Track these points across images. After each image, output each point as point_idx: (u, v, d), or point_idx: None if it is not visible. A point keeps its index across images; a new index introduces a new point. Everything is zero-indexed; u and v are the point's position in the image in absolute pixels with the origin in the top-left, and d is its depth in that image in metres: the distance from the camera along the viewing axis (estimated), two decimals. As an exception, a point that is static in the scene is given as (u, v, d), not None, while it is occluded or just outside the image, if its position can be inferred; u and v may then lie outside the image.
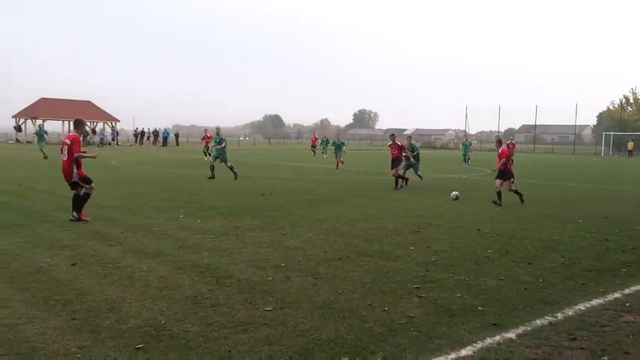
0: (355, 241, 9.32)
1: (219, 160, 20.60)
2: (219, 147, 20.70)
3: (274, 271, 7.16)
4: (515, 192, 14.71)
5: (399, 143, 18.85)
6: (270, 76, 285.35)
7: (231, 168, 20.45)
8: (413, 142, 19.37)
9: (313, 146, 44.55)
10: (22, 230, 9.62)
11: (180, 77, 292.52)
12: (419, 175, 19.21)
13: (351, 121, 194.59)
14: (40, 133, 35.27)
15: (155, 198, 14.50)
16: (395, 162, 18.70)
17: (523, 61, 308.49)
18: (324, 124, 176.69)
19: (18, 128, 66.07)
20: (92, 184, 11.04)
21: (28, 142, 62.13)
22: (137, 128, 74.16)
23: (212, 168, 20.49)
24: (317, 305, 5.78)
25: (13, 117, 67.04)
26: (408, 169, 18.62)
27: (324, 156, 37.79)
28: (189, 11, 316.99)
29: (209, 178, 20.09)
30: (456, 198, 14.74)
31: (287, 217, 11.76)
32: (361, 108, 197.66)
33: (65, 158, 10.70)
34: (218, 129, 22.24)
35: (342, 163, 28.87)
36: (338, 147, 29.04)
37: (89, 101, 74.05)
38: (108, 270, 7.02)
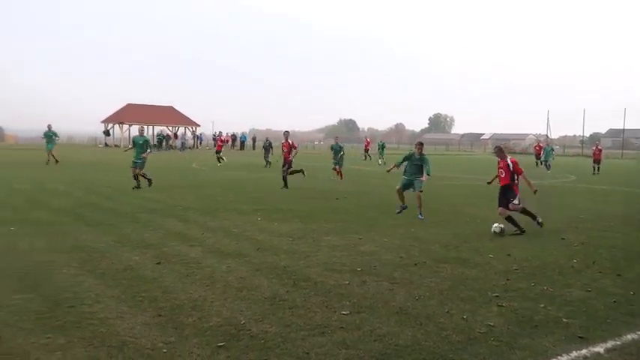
0: (431, 246, 9.19)
1: (138, 168, 17.42)
2: (143, 154, 17.45)
3: (350, 275, 7.19)
4: (510, 219, 10.65)
5: (290, 142, 18.71)
6: (346, 80, 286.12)
7: (143, 175, 17.50)
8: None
9: (366, 150, 45.45)
10: (110, 229, 10.14)
11: (256, 83, 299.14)
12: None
13: (427, 126, 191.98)
14: (49, 135, 29.55)
15: (233, 200, 14.90)
16: (286, 161, 18.51)
17: (610, 61, 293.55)
18: (398, 128, 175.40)
19: (106, 133, 69.65)
20: None
21: (115, 145, 65.44)
22: (216, 132, 76.48)
23: (138, 177, 17.42)
24: (393, 310, 5.75)
25: (102, 122, 70.76)
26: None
27: (380, 160, 38.02)
28: (261, 18, 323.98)
29: (134, 188, 17.13)
30: (501, 231, 10.43)
31: (361, 221, 11.77)
32: (437, 112, 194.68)
33: None
34: (141, 129, 18.64)
35: (339, 174, 22.94)
36: (336, 152, 23.47)
37: (171, 106, 77.02)
38: (190, 269, 7.29)
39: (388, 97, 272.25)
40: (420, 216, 12.30)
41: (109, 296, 6.04)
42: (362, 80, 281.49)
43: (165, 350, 4.60)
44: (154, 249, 8.51)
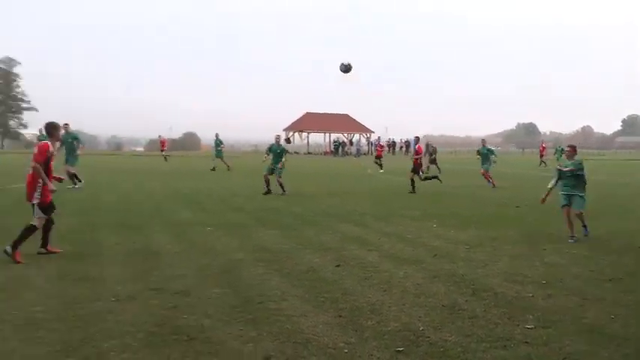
0: (626, 260, 8.36)
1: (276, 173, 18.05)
2: (280, 163, 18.06)
3: (533, 287, 6.80)
4: None
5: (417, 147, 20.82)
6: (527, 82, 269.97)
7: (280, 184, 17.89)
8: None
9: (542, 156, 42.40)
10: (293, 232, 10.74)
11: (427, 88, 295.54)
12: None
13: (619, 128, 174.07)
14: (218, 143, 30.14)
15: (406, 206, 14.92)
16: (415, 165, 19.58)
17: None
18: (585, 131, 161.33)
19: (287, 140, 74.07)
20: (46, 216, 8.04)
21: (295, 152, 69.22)
22: (389, 139, 77.25)
23: (267, 182, 17.97)
24: (584, 328, 5.32)
25: (284, 130, 75.33)
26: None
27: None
28: (430, 18, 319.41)
29: (264, 193, 17.65)
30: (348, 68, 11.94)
31: (544, 229, 11.10)
32: (632, 113, 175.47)
33: (30, 171, 8.03)
34: (277, 137, 19.41)
35: (490, 177, 21.57)
36: (484, 156, 21.88)
37: (346, 114, 79.49)
38: (368, 273, 7.45)
39: (574, 98, 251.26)
40: (585, 231, 10.24)
41: (293, 295, 6.41)
42: (544, 81, 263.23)
43: (346, 351, 4.76)
44: (333, 252, 8.84)
